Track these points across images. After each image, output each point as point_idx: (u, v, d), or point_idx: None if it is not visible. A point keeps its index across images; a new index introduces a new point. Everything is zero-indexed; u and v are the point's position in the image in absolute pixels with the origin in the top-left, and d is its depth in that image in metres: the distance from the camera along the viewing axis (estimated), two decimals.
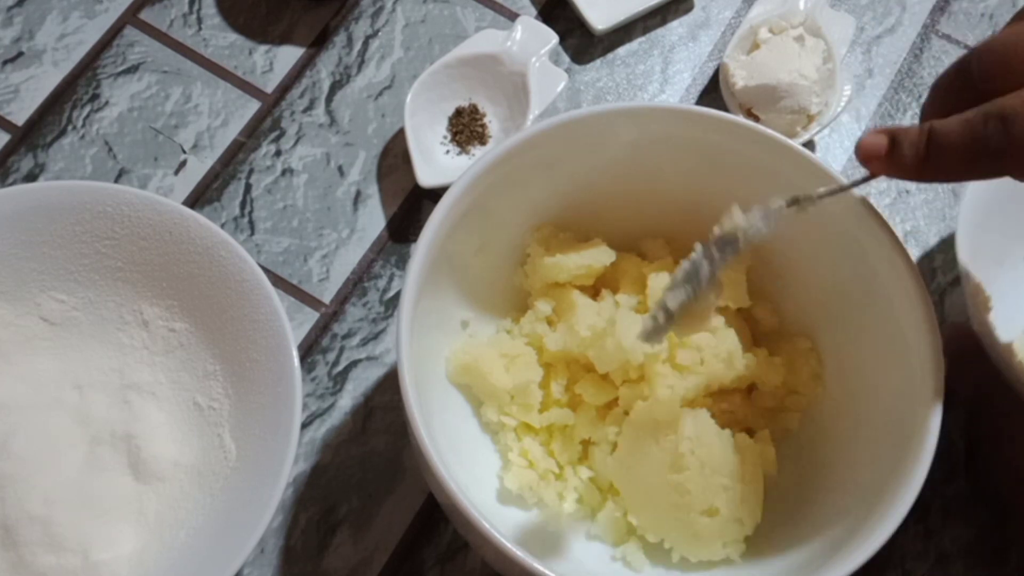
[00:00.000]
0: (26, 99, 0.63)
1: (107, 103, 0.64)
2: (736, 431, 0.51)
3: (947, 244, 0.62)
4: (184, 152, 0.63)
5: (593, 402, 0.52)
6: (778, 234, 0.53)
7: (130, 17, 0.66)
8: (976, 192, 0.54)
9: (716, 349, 0.52)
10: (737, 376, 0.52)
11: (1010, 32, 0.40)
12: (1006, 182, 0.41)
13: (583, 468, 0.52)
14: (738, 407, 0.53)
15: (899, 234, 0.47)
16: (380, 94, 0.65)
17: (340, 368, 0.58)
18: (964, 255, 0.52)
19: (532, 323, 0.54)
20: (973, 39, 0.69)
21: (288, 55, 0.66)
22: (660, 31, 0.68)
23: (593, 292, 0.55)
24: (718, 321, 0.52)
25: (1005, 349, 0.50)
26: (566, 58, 0.67)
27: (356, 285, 0.60)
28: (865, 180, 0.45)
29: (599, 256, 0.53)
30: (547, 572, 0.40)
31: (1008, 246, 0.58)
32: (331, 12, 0.67)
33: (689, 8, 0.69)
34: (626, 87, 0.67)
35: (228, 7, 0.67)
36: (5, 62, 0.64)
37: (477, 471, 0.51)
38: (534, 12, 0.68)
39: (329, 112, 0.64)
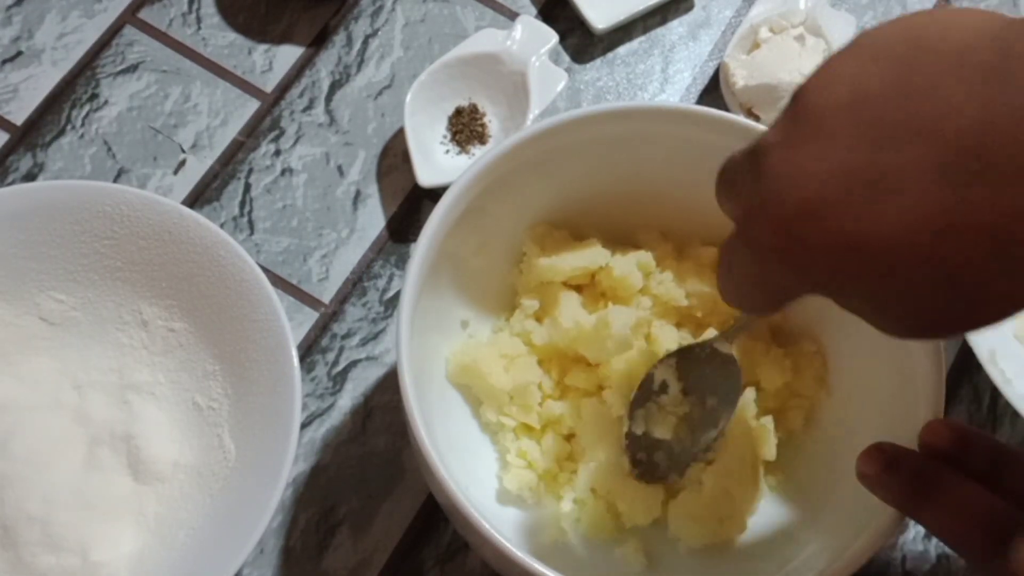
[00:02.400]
0: (25, 98, 0.63)
1: (106, 102, 0.64)
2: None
3: None
4: (183, 152, 0.63)
5: (585, 387, 0.52)
6: None
7: (129, 16, 0.66)
8: None
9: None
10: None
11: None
12: None
13: (581, 468, 0.52)
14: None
15: None
16: (380, 94, 0.65)
17: (340, 368, 0.58)
18: None
19: (521, 320, 0.54)
20: None
21: (287, 54, 0.66)
22: (660, 30, 0.68)
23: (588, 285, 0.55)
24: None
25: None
26: (566, 57, 0.67)
27: (356, 285, 0.60)
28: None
29: (594, 257, 0.53)
30: (547, 572, 0.40)
31: None
32: (331, 11, 0.67)
33: (689, 7, 0.69)
34: (626, 87, 0.67)
35: (227, 6, 0.67)
36: (4, 61, 0.64)
37: (477, 471, 0.51)
38: (534, 11, 0.68)
39: (329, 112, 0.64)
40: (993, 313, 0.30)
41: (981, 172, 0.27)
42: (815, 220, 0.30)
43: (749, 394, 0.52)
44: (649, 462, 0.51)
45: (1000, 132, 0.27)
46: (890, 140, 0.29)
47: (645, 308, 0.53)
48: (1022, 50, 0.27)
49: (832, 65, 0.31)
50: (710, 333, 0.52)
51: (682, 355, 0.50)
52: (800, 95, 0.32)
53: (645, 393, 0.51)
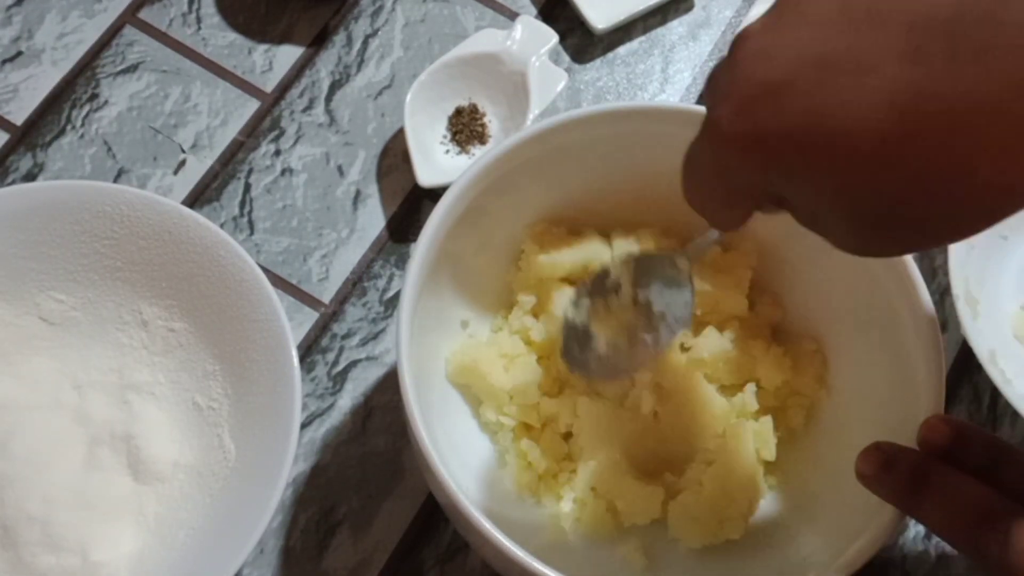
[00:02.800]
0: (25, 99, 0.63)
1: (106, 103, 0.64)
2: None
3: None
4: (183, 152, 0.63)
5: (581, 384, 0.53)
6: (780, 238, 0.53)
7: (129, 16, 0.66)
8: None
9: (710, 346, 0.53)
10: (729, 359, 0.52)
11: None
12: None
13: (581, 467, 0.52)
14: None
15: None
16: (380, 94, 0.65)
17: (340, 368, 0.58)
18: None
19: (519, 317, 0.54)
20: None
21: (287, 54, 0.66)
22: (660, 30, 0.68)
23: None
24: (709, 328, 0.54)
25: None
26: (566, 57, 0.67)
27: (356, 285, 0.60)
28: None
29: (593, 251, 0.53)
30: (547, 572, 0.40)
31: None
32: (331, 11, 0.67)
33: (689, 7, 0.69)
34: (626, 86, 0.67)
35: (227, 6, 0.67)
36: (4, 61, 0.64)
37: (477, 471, 0.51)
38: (534, 11, 0.68)
39: (329, 112, 0.64)
40: (948, 220, 0.29)
41: (947, 50, 0.27)
42: (776, 99, 0.30)
43: (750, 390, 0.52)
44: (580, 356, 0.50)
45: (969, 9, 0.27)
46: (864, 23, 0.29)
47: None
48: None
49: None
50: (705, 331, 0.52)
51: (641, 260, 0.49)
52: None
53: (597, 287, 0.49)
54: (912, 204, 0.29)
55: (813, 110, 0.29)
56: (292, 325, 0.52)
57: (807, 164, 0.30)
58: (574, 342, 0.50)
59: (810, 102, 0.29)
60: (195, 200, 0.61)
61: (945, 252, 0.57)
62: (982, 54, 0.26)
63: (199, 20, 0.66)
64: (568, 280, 0.54)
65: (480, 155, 0.56)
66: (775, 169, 0.31)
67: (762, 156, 0.31)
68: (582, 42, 0.67)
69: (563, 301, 0.53)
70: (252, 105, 0.64)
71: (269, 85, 0.65)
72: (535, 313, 0.54)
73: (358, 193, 0.62)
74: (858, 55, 0.28)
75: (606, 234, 0.55)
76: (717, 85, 0.33)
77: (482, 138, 0.63)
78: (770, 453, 0.51)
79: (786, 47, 0.30)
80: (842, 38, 0.29)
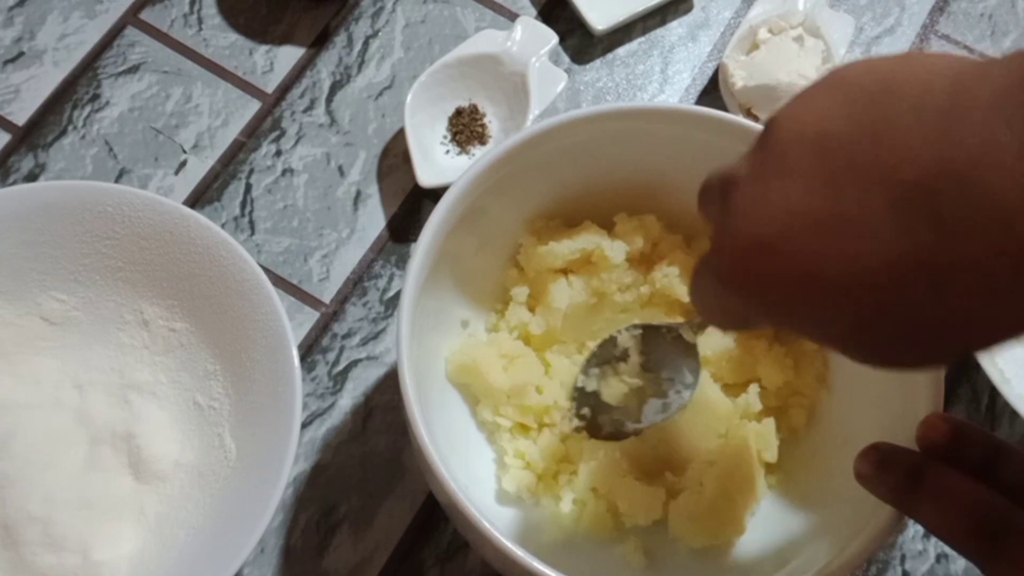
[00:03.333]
0: (27, 99, 0.64)
1: (108, 103, 0.64)
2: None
3: None
4: (184, 152, 0.63)
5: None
6: None
7: (131, 17, 0.66)
8: None
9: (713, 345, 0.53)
10: (732, 358, 0.53)
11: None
12: None
13: (582, 467, 0.52)
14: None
15: None
16: (380, 94, 0.65)
17: (340, 368, 0.58)
18: None
19: (517, 313, 0.54)
20: (972, 39, 0.69)
21: (288, 55, 0.66)
22: (660, 31, 0.68)
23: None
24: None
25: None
26: (566, 58, 0.67)
27: (356, 285, 0.60)
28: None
29: (591, 239, 0.54)
30: (547, 572, 0.40)
31: None
32: (331, 12, 0.67)
33: (689, 8, 0.69)
34: (626, 87, 0.67)
35: (229, 7, 0.67)
36: (6, 62, 0.64)
37: (477, 471, 0.52)
38: (534, 12, 0.68)
39: (329, 112, 0.64)
40: (942, 354, 0.31)
41: (931, 218, 0.27)
42: (769, 257, 0.31)
43: (753, 391, 0.52)
44: (593, 420, 0.52)
45: (948, 178, 0.27)
46: (848, 182, 0.29)
47: (644, 295, 0.54)
48: (973, 91, 0.27)
49: (802, 100, 0.32)
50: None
51: (648, 331, 0.51)
52: (771, 127, 0.32)
53: (605, 355, 0.51)
54: (898, 342, 0.30)
55: (805, 266, 0.30)
56: (293, 325, 0.52)
57: (800, 309, 0.32)
58: (586, 407, 0.52)
59: (802, 259, 0.30)
60: (196, 200, 0.62)
61: None
62: (964, 223, 0.27)
63: (200, 21, 0.66)
64: (566, 271, 0.54)
65: (480, 155, 0.56)
66: (770, 310, 0.33)
67: (758, 301, 0.33)
68: (582, 43, 0.68)
69: (561, 292, 0.53)
70: (253, 106, 0.64)
71: (270, 86, 0.65)
72: (531, 307, 0.54)
73: (359, 193, 0.62)
74: (844, 218, 0.29)
75: (604, 225, 0.55)
76: (712, 215, 0.35)
77: (482, 138, 0.63)
78: (772, 455, 0.51)
79: (774, 202, 0.31)
80: (825, 197, 0.30)
